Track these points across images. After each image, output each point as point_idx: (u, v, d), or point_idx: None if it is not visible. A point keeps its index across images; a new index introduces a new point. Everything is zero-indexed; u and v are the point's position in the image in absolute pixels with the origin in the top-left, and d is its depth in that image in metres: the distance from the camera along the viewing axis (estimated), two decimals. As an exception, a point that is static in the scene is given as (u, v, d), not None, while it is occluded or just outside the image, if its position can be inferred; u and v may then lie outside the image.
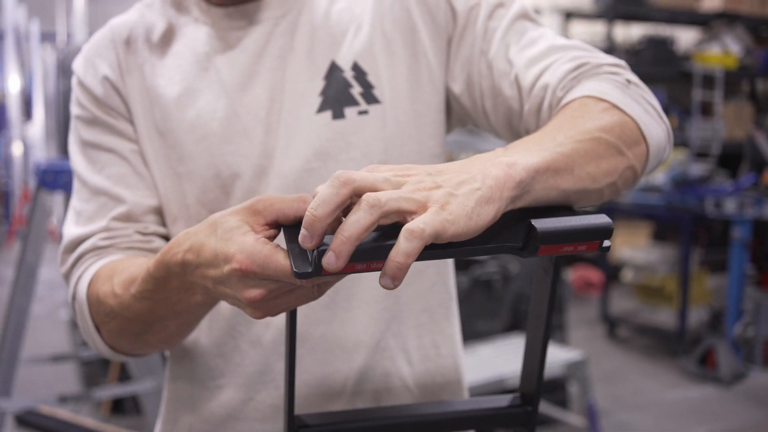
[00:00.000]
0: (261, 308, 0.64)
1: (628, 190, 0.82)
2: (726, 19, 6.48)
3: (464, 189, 0.58)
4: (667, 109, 6.04)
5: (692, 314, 4.88)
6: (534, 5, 6.82)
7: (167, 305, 0.76)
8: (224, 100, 0.89)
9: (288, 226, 0.63)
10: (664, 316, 5.22)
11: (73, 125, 0.95)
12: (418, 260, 0.56)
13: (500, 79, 0.87)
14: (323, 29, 0.91)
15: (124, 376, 3.43)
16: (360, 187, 0.57)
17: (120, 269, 0.83)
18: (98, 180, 0.91)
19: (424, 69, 0.91)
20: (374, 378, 0.91)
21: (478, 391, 2.74)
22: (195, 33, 0.93)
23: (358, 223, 0.55)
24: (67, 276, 0.91)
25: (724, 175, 5.62)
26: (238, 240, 0.62)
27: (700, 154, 6.09)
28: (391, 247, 0.55)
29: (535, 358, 0.73)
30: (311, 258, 0.57)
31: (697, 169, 5.27)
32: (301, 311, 0.86)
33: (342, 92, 0.88)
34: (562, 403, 3.62)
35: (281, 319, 0.88)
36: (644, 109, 0.78)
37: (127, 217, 0.90)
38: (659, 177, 5.03)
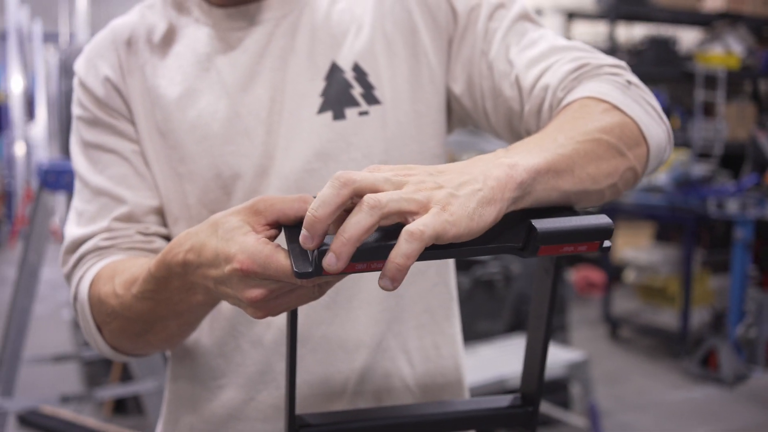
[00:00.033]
0: (262, 308, 0.64)
1: (629, 190, 0.82)
2: (728, 19, 6.47)
3: (466, 190, 0.58)
4: (669, 110, 6.06)
5: (694, 315, 4.88)
6: (536, 5, 6.81)
7: (168, 305, 0.76)
8: (225, 100, 0.89)
9: (289, 226, 0.63)
10: (667, 317, 5.22)
11: (75, 126, 0.95)
12: (418, 260, 0.56)
13: (501, 80, 0.87)
14: (324, 30, 0.91)
15: (126, 376, 3.43)
16: (361, 187, 0.57)
17: (121, 269, 0.83)
18: (99, 180, 0.92)
19: (424, 69, 0.91)
20: (375, 378, 0.91)
21: (479, 391, 2.74)
22: (196, 34, 0.93)
23: (358, 224, 0.55)
24: (68, 276, 0.91)
25: (726, 175, 5.60)
26: (239, 240, 0.62)
27: (703, 155, 6.08)
28: (391, 247, 0.55)
29: (535, 358, 0.73)
30: (312, 258, 0.57)
31: (700, 169, 5.26)
32: (302, 311, 0.86)
33: (343, 93, 0.88)
34: (564, 403, 3.62)
35: (282, 319, 0.88)
36: (644, 110, 0.78)
37: (129, 218, 0.90)
38: (661, 177, 5.03)
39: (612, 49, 5.90)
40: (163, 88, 0.91)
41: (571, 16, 6.49)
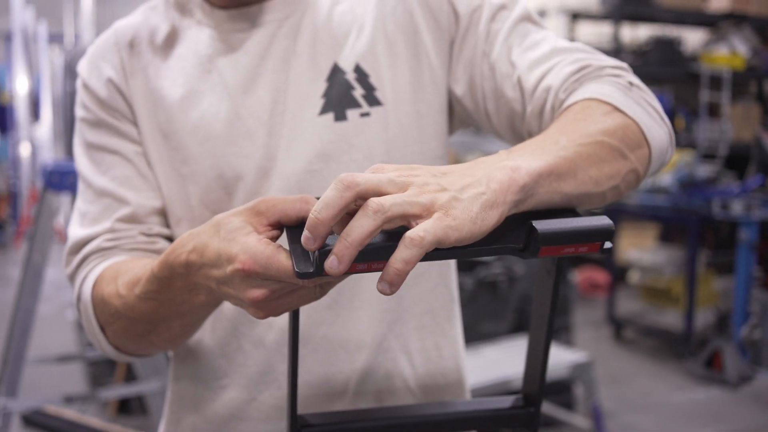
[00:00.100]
0: (264, 308, 0.64)
1: (632, 191, 0.83)
2: (733, 19, 6.46)
3: (469, 193, 0.58)
4: (674, 110, 6.04)
5: (699, 316, 4.87)
6: (540, 6, 6.81)
7: (171, 306, 0.77)
8: (227, 102, 0.90)
9: (290, 227, 0.63)
10: (671, 318, 5.21)
11: (78, 127, 0.95)
12: (420, 261, 0.56)
13: (503, 81, 0.87)
14: (325, 31, 0.91)
15: (130, 376, 3.44)
16: (364, 190, 0.57)
17: (124, 270, 0.83)
18: (103, 182, 0.92)
19: (426, 70, 0.91)
20: (376, 379, 0.91)
21: (482, 392, 2.73)
22: (198, 35, 0.93)
23: (361, 228, 0.55)
24: (72, 277, 0.91)
25: (731, 176, 5.59)
26: (241, 240, 0.62)
27: (707, 156, 6.07)
28: (394, 248, 0.55)
29: (537, 359, 0.73)
30: (313, 258, 0.58)
31: (704, 170, 5.25)
32: (304, 312, 0.86)
33: (344, 94, 0.89)
34: (568, 404, 3.62)
35: (284, 319, 0.88)
36: (646, 111, 0.78)
37: (132, 219, 0.91)
38: (666, 178, 5.02)
39: (616, 49, 5.88)
40: (165, 89, 0.92)
41: (576, 16, 6.48)
